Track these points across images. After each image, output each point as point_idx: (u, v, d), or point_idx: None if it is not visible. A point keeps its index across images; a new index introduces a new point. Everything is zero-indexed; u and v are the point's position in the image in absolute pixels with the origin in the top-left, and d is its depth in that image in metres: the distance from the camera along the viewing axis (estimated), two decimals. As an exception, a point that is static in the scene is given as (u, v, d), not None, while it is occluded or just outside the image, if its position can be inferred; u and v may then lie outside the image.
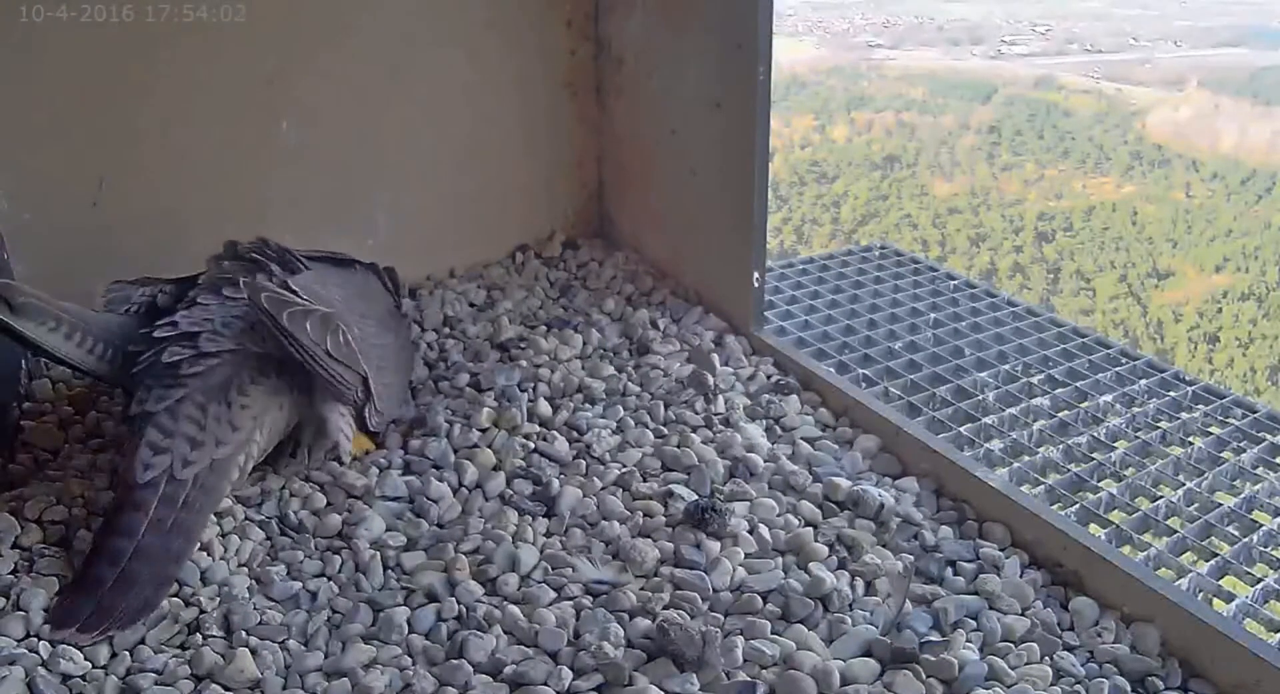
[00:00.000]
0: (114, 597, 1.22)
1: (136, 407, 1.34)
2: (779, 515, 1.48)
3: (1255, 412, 2.05)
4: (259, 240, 1.61)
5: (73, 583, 1.26)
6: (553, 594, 1.32)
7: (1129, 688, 1.20)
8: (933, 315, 2.42)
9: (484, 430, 1.66)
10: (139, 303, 1.51)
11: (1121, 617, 1.31)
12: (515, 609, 1.28)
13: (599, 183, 2.42)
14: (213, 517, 1.44)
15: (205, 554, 1.38)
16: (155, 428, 1.31)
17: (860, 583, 1.35)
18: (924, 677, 1.18)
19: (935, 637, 1.25)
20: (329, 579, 1.36)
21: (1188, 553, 1.65)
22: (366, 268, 1.78)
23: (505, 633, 1.25)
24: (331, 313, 1.43)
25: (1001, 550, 1.42)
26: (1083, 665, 1.23)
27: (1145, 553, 1.61)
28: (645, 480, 1.56)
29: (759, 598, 1.31)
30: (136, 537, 1.25)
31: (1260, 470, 1.86)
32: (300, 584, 1.34)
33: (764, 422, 1.73)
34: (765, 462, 1.59)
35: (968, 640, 1.25)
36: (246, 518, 1.46)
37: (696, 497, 1.48)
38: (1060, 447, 1.90)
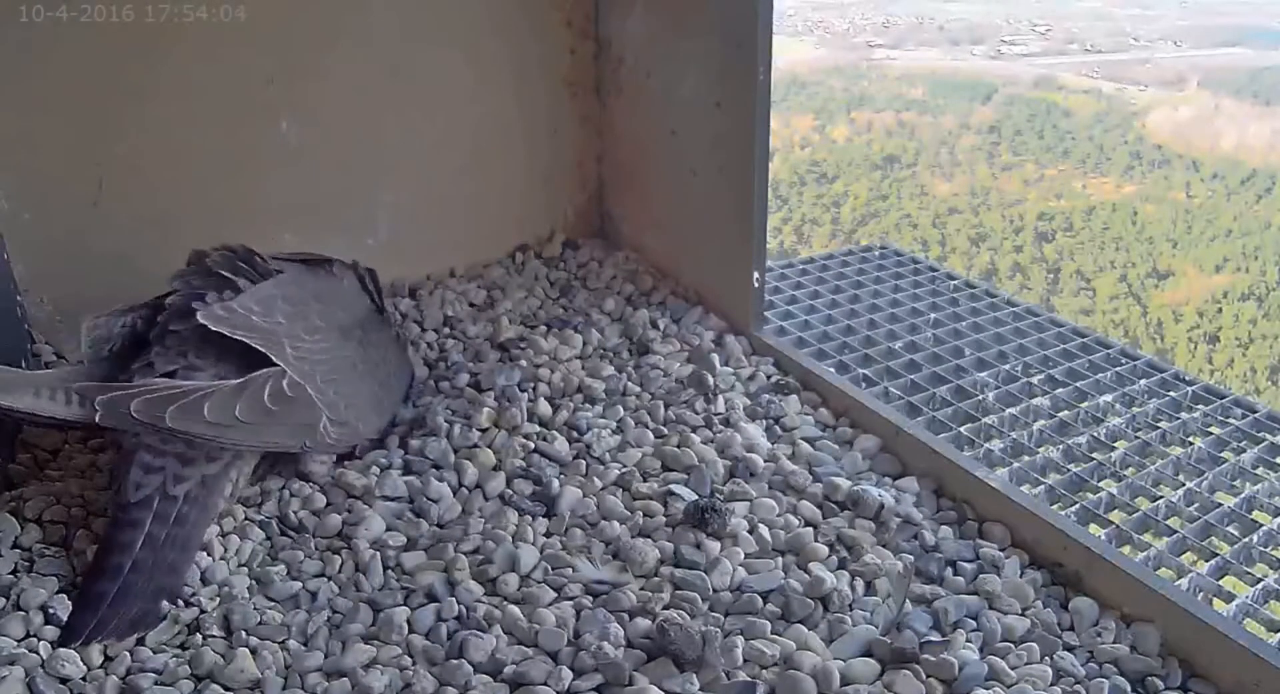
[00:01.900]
0: (113, 611, 1.23)
1: (131, 439, 1.35)
2: (779, 515, 1.48)
3: (1255, 412, 2.05)
4: (224, 249, 1.58)
5: (76, 600, 1.26)
6: (553, 594, 1.32)
7: (1129, 688, 1.20)
8: (933, 315, 2.41)
9: (484, 430, 1.66)
10: (119, 336, 1.49)
11: (1121, 617, 1.31)
12: (515, 609, 1.28)
13: (599, 183, 2.42)
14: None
15: (205, 554, 1.38)
16: (145, 448, 1.33)
17: (860, 583, 1.35)
18: (924, 677, 1.18)
19: (935, 637, 1.25)
20: (329, 579, 1.36)
21: (1188, 553, 1.65)
22: (346, 268, 1.74)
23: (505, 633, 1.25)
24: (243, 382, 1.37)
25: (1001, 550, 1.42)
26: (1083, 665, 1.23)
27: (1145, 553, 1.61)
28: (645, 480, 1.56)
29: (759, 598, 1.31)
30: (133, 553, 1.27)
31: (1260, 470, 1.86)
32: (300, 584, 1.34)
33: (764, 422, 1.73)
34: (765, 462, 1.59)
35: (968, 640, 1.25)
36: (246, 518, 1.46)
37: (696, 497, 1.48)
38: (1060, 447, 1.90)
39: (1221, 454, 1.91)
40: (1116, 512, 1.74)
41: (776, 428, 1.72)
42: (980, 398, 2.04)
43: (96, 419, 1.26)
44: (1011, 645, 1.26)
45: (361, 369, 1.59)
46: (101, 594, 1.24)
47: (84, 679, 1.18)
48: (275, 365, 1.41)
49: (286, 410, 1.41)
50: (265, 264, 1.60)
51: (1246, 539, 1.65)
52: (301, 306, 1.55)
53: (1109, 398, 2.07)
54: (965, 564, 1.40)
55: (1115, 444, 1.92)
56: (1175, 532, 1.67)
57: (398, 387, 1.71)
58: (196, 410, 1.31)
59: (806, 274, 2.70)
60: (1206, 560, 1.61)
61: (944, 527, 1.47)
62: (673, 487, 1.52)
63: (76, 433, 1.64)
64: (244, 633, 1.24)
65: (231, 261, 1.57)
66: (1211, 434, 1.97)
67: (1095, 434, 1.94)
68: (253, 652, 1.21)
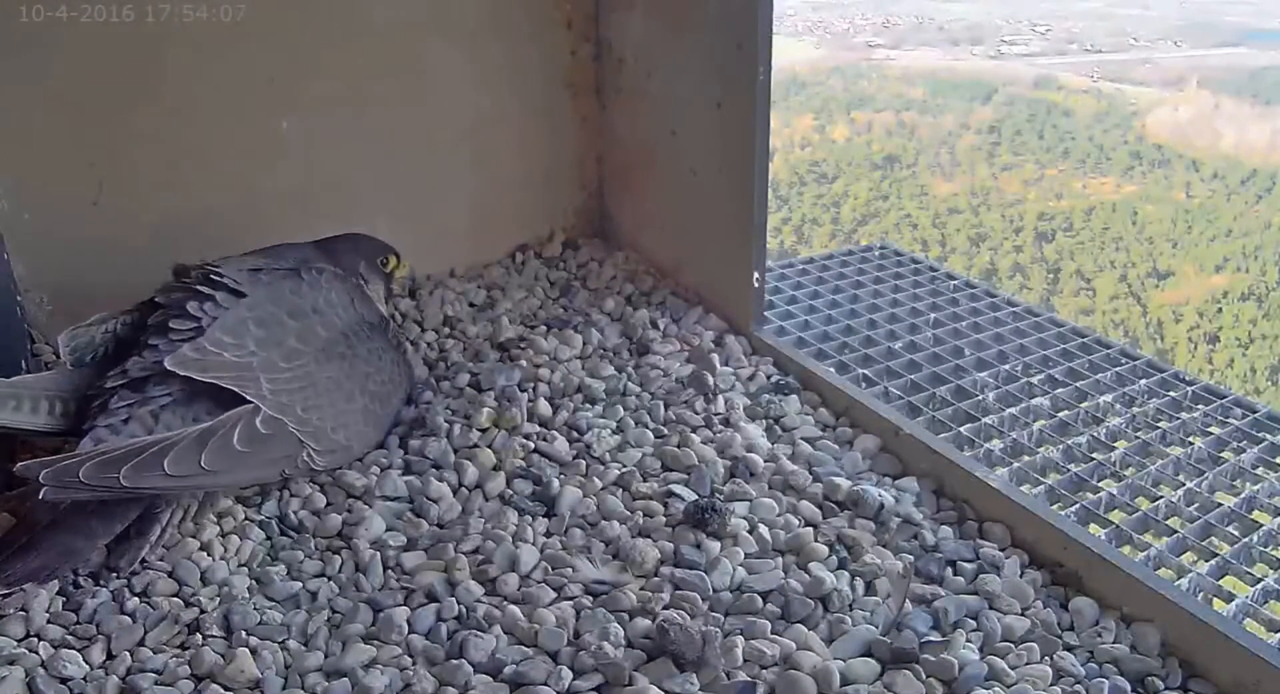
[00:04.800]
0: (13, 560, 1.24)
1: (89, 421, 1.37)
2: (779, 515, 1.48)
3: (1255, 411, 2.04)
4: (206, 266, 1.56)
5: None
6: (553, 594, 1.32)
7: (1129, 688, 1.20)
8: (933, 315, 2.41)
9: (484, 430, 1.66)
10: (104, 345, 1.51)
11: (1121, 617, 1.31)
12: (515, 609, 1.28)
13: (599, 183, 2.42)
14: (212, 517, 1.44)
15: (205, 554, 1.38)
16: (106, 427, 1.35)
17: (860, 583, 1.35)
18: (924, 677, 1.18)
19: (935, 637, 1.25)
20: (329, 579, 1.36)
21: (1188, 553, 1.65)
22: (335, 278, 1.68)
23: (505, 633, 1.25)
24: (207, 428, 1.34)
25: (1001, 550, 1.42)
26: (1083, 665, 1.23)
27: (1145, 553, 1.61)
28: (645, 480, 1.56)
29: (759, 598, 1.31)
30: (56, 510, 1.28)
31: (1260, 470, 1.86)
32: (300, 584, 1.34)
33: (764, 422, 1.73)
34: (765, 462, 1.59)
35: (968, 640, 1.25)
36: (246, 518, 1.46)
37: (696, 497, 1.48)
38: (1060, 447, 1.90)
39: (1221, 454, 1.91)
40: (1116, 512, 1.73)
41: (776, 428, 1.72)
42: (980, 398, 2.04)
43: (42, 496, 1.22)
44: (1011, 645, 1.26)
45: (349, 386, 1.56)
46: (8, 544, 1.25)
47: (84, 679, 1.18)
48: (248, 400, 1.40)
49: (262, 447, 1.39)
50: (239, 288, 1.54)
51: (1246, 539, 1.65)
52: (277, 328, 1.52)
53: (1109, 398, 2.07)
54: (965, 564, 1.40)
55: (1115, 444, 1.92)
56: (1175, 532, 1.67)
57: (395, 393, 1.69)
58: (154, 466, 1.28)
59: (806, 274, 2.70)
60: (1206, 560, 1.61)
61: (944, 527, 1.47)
62: (673, 487, 1.52)
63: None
64: (244, 633, 1.24)
65: (210, 279, 1.54)
66: (1211, 434, 1.97)
67: (1095, 434, 1.94)
68: (253, 652, 1.21)
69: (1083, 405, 2.05)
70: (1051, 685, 1.20)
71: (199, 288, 1.52)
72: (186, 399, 1.41)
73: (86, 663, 1.20)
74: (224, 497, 1.48)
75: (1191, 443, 1.94)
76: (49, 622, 1.25)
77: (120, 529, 1.33)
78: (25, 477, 1.23)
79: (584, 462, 1.59)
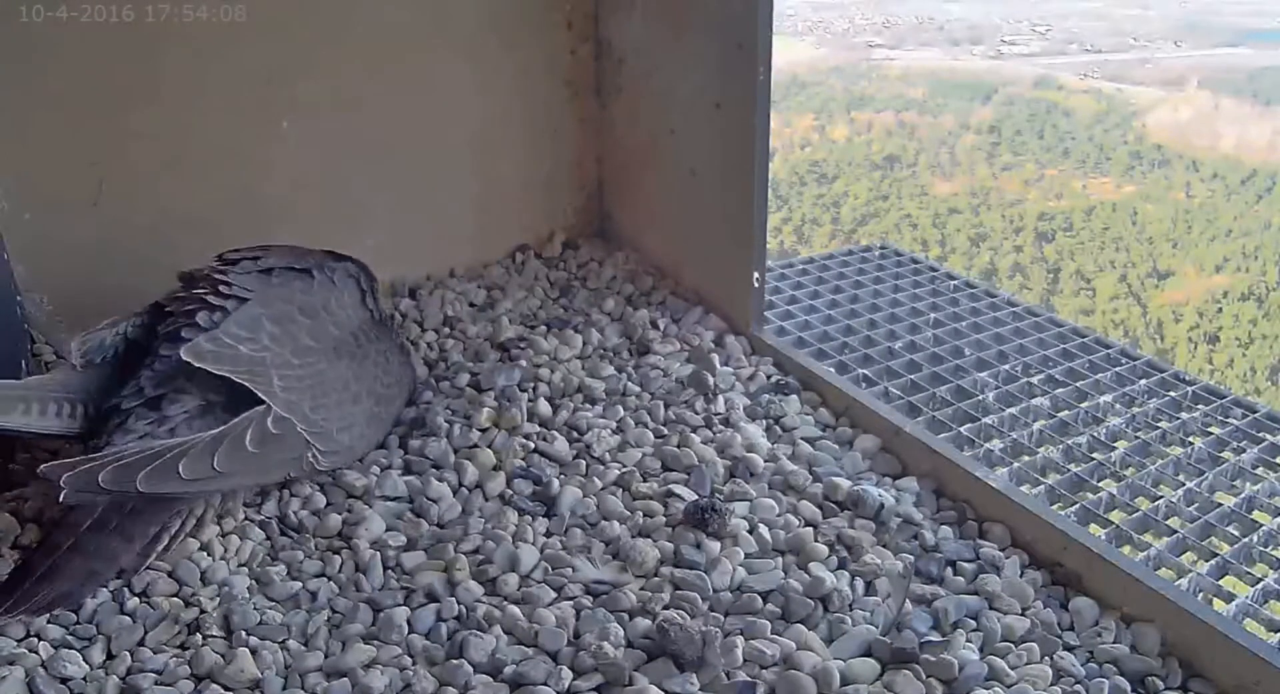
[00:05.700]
0: (38, 585, 1.23)
1: (106, 438, 1.36)
2: (779, 515, 1.48)
3: (1255, 412, 2.05)
4: (210, 271, 1.55)
5: (11, 572, 1.26)
6: (553, 594, 1.32)
7: (1129, 688, 1.20)
8: (933, 315, 2.42)
9: (484, 430, 1.66)
10: (114, 346, 1.50)
11: (1121, 617, 1.31)
12: (515, 609, 1.28)
13: (599, 183, 2.42)
14: (213, 517, 1.44)
15: (205, 554, 1.38)
16: (120, 443, 1.34)
17: (860, 583, 1.35)
18: (924, 677, 1.18)
19: (935, 637, 1.25)
20: (329, 579, 1.36)
21: (1188, 553, 1.65)
22: (348, 277, 1.68)
23: (505, 633, 1.25)
24: (221, 432, 1.34)
25: (1001, 550, 1.42)
26: (1083, 665, 1.23)
27: (1145, 553, 1.61)
28: (645, 480, 1.56)
29: (759, 598, 1.31)
30: (77, 533, 1.27)
31: (1260, 470, 1.86)
32: (300, 584, 1.34)
33: (764, 422, 1.73)
34: (765, 462, 1.59)
35: (968, 640, 1.25)
36: (246, 518, 1.46)
37: (696, 497, 1.48)
38: (1060, 447, 1.90)
39: (1221, 454, 1.91)
40: (1116, 512, 1.74)
41: (776, 428, 1.72)
42: (980, 398, 2.04)
43: (61, 499, 1.22)
44: (1011, 645, 1.26)
45: (356, 388, 1.56)
46: (31, 568, 1.24)
47: (84, 679, 1.18)
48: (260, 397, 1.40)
49: (272, 448, 1.39)
50: (242, 291, 1.53)
51: (1246, 539, 1.65)
52: (289, 325, 1.52)
53: (1109, 398, 2.07)
54: (965, 564, 1.40)
55: (1115, 444, 1.93)
56: (1175, 532, 1.67)
57: (400, 395, 1.70)
58: (170, 471, 1.28)
59: (806, 274, 2.71)
60: (1206, 560, 1.62)
61: (944, 527, 1.47)
62: (673, 487, 1.52)
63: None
64: (244, 633, 1.24)
65: (220, 289, 1.53)
66: (1211, 434, 1.98)
67: (1095, 434, 1.94)
68: (253, 652, 1.21)
69: (1083, 405, 2.05)
70: (1051, 685, 1.20)
71: (209, 298, 1.50)
72: (200, 414, 1.41)
73: (86, 663, 1.20)
74: (232, 501, 1.47)
75: (1191, 443, 1.94)
76: (49, 622, 1.25)
77: (137, 548, 1.33)
78: (49, 478, 1.23)
79: (584, 462, 1.59)
